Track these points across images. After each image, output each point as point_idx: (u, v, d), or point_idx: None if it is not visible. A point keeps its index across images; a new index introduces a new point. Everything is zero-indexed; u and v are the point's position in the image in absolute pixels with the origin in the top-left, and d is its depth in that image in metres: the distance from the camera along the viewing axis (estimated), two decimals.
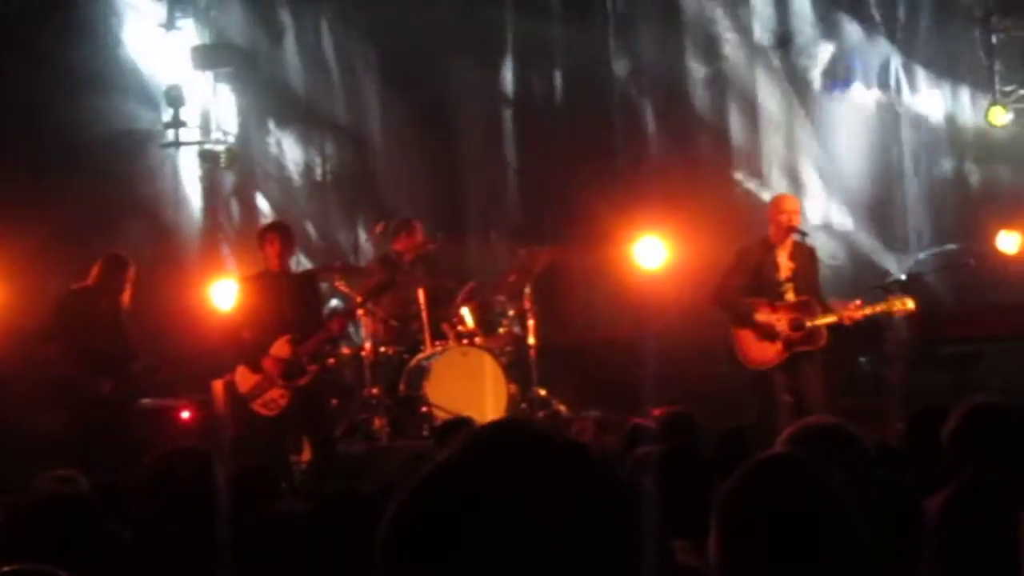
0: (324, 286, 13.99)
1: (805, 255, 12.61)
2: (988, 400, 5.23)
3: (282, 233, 12.50)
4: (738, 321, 12.48)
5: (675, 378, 13.49)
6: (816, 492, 3.16)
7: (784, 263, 12.44)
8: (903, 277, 16.49)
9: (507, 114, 18.68)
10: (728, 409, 11.80)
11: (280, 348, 12.11)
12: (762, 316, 12.27)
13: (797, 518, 3.11)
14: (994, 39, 17.93)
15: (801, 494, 3.15)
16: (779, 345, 12.24)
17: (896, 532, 4.14)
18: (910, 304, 12.64)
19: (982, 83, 17.99)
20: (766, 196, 15.66)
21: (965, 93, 18.12)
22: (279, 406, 12.13)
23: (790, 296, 12.36)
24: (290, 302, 12.18)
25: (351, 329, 14.67)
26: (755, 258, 12.52)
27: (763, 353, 12.33)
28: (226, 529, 5.46)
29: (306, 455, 12.66)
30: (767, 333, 12.26)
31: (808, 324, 12.20)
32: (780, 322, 12.24)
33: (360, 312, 13.54)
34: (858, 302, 12.93)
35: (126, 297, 12.50)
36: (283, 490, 7.21)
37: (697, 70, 18.54)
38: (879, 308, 12.68)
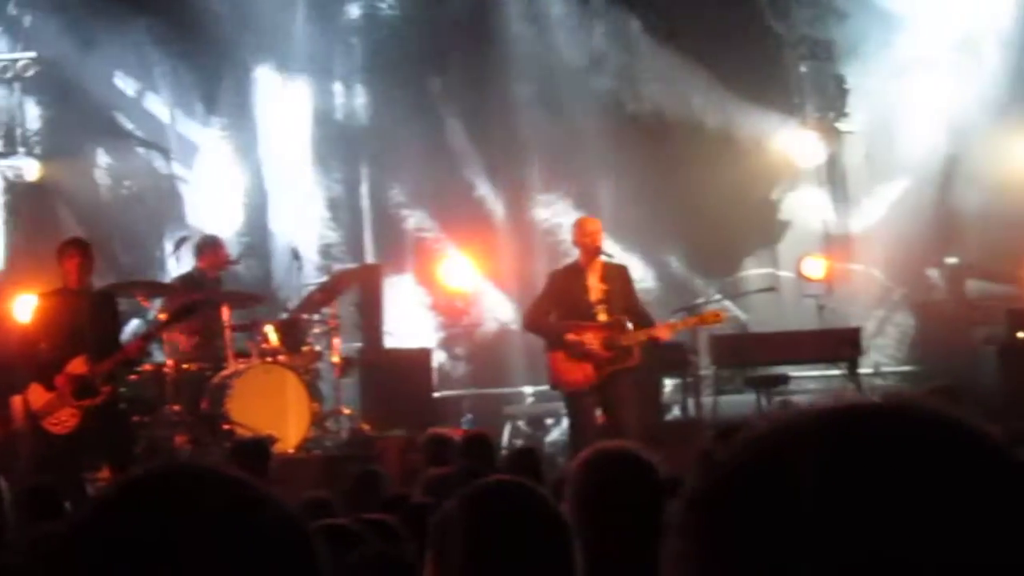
0: (127, 303, 13.79)
1: (617, 275, 12.64)
2: None
3: (82, 249, 12.24)
4: (550, 344, 12.49)
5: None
6: (533, 516, 3.20)
7: (595, 285, 12.43)
8: (712, 300, 16.75)
9: (315, 132, 18.59)
10: None
11: (76, 366, 11.89)
12: (572, 336, 12.26)
13: (511, 542, 3.15)
14: (803, 67, 18.25)
15: (518, 518, 3.18)
16: (590, 365, 12.23)
17: None
18: (722, 315, 13.35)
19: (791, 109, 18.28)
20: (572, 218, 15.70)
21: (774, 119, 18.38)
22: (69, 426, 11.91)
23: (602, 317, 12.37)
24: (88, 320, 11.94)
25: (153, 345, 14.43)
26: (564, 281, 12.54)
27: (575, 374, 12.29)
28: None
29: (105, 473, 12.44)
30: (578, 353, 12.22)
31: (621, 342, 12.23)
32: (592, 342, 12.21)
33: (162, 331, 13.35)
34: (670, 322, 13.11)
35: None
36: (66, 509, 7.09)
37: (511, 91, 18.59)
38: (691, 321, 12.96)
